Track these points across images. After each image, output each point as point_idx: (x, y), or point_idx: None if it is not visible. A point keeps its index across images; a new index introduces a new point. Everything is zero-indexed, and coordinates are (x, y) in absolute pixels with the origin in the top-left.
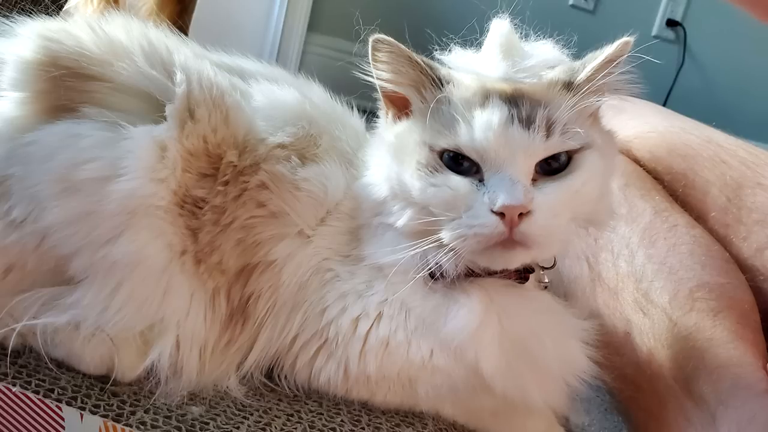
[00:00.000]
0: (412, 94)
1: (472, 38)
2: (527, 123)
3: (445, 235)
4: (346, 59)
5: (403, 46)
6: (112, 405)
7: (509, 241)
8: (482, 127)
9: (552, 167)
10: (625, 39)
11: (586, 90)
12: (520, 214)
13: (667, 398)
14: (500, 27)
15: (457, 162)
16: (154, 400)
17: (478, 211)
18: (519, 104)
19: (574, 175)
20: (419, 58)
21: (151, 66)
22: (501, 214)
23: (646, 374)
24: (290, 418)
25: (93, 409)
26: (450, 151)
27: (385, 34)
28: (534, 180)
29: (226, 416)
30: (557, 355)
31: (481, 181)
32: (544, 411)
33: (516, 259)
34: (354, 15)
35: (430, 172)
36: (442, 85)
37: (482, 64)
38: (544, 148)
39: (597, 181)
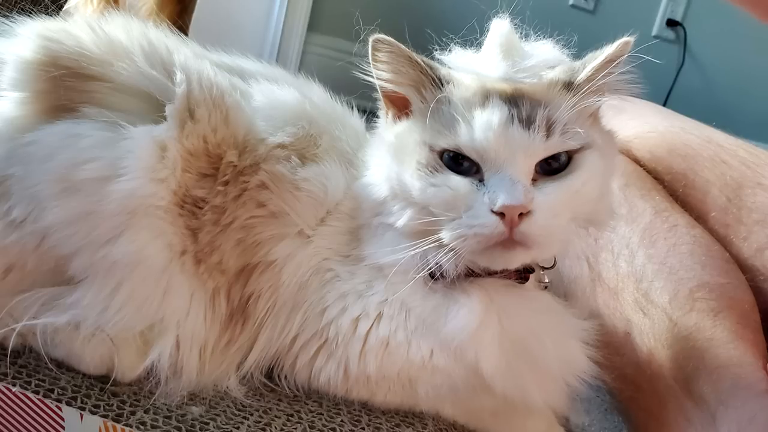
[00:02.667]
0: (412, 94)
1: (472, 38)
2: (527, 123)
3: (445, 235)
4: (346, 59)
5: (403, 46)
6: (112, 405)
7: (509, 241)
8: (482, 127)
9: (552, 167)
10: (625, 39)
11: (586, 90)
12: (520, 214)
13: (667, 398)
14: (500, 27)
15: (457, 162)
16: (154, 400)
17: (478, 211)
18: (519, 104)
19: (574, 175)
20: (419, 58)
21: (151, 66)
22: (501, 214)
23: (646, 374)
24: (290, 418)
25: (93, 409)
26: (450, 151)
27: (385, 34)
28: (534, 180)
29: (226, 416)
30: (557, 355)
31: (481, 181)
32: (544, 411)
33: (516, 259)
34: (354, 15)
35: (430, 172)
36: (442, 85)
37: (482, 64)
38: (544, 148)
39: (597, 181)
